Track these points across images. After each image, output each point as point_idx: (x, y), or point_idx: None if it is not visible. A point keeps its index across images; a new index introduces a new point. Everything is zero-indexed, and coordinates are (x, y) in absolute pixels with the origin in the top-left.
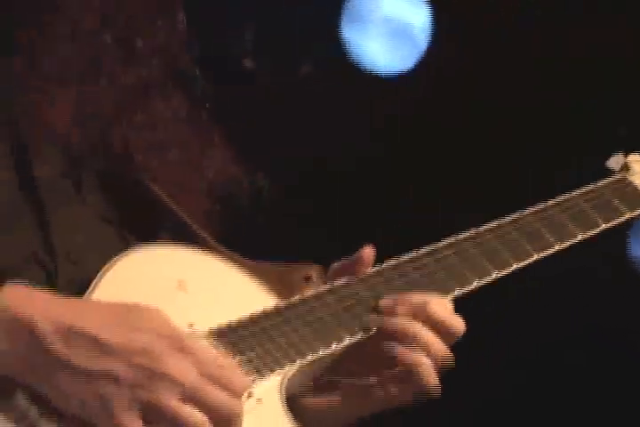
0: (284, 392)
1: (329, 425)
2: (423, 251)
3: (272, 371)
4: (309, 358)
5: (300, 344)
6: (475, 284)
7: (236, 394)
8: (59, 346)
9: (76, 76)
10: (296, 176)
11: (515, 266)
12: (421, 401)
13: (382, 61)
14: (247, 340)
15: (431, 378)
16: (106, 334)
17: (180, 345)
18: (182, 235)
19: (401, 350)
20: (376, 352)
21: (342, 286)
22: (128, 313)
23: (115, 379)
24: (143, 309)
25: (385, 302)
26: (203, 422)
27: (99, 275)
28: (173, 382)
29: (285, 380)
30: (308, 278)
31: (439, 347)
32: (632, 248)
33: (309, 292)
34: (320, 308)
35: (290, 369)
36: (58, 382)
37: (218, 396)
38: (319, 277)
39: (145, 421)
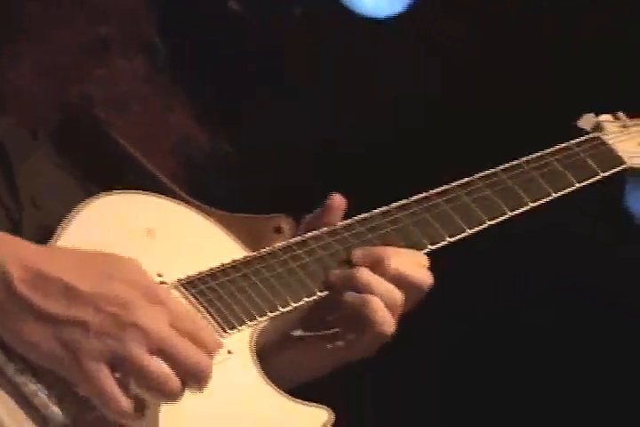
0: (254, 345)
1: (295, 379)
2: (395, 205)
3: (242, 323)
4: (280, 310)
5: (270, 297)
6: (446, 240)
7: (208, 351)
8: (25, 290)
9: (35, 31)
10: (269, 145)
11: (487, 223)
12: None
13: (371, 4)
14: (216, 291)
15: (386, 326)
16: (76, 280)
17: (154, 296)
18: (149, 185)
19: (358, 299)
20: (339, 303)
21: (313, 239)
22: (102, 261)
23: (83, 326)
24: (118, 258)
25: (355, 255)
26: (169, 375)
27: (64, 221)
28: (144, 333)
29: (256, 333)
30: (278, 230)
31: (395, 298)
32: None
33: (280, 244)
34: (290, 260)
35: (260, 322)
36: (22, 329)
37: (189, 351)
38: (290, 228)
39: (112, 371)
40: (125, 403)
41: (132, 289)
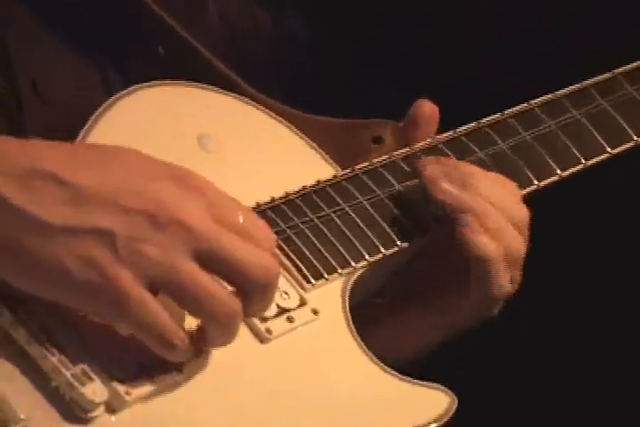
0: (347, 306)
1: (399, 355)
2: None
3: (332, 271)
4: (381, 255)
5: (370, 235)
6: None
7: (268, 249)
8: (12, 195)
9: None
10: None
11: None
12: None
13: None
14: (298, 227)
15: (501, 276)
16: (73, 175)
17: (185, 181)
18: (198, 72)
19: (472, 238)
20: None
21: (425, 150)
22: (99, 153)
23: (104, 237)
24: (118, 148)
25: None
26: (229, 295)
27: (89, 122)
28: (191, 234)
29: (349, 285)
30: (377, 139)
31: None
32: None
33: (380, 158)
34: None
35: (357, 269)
36: (29, 251)
37: (251, 252)
38: (394, 138)
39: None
40: (183, 336)
41: (154, 175)
